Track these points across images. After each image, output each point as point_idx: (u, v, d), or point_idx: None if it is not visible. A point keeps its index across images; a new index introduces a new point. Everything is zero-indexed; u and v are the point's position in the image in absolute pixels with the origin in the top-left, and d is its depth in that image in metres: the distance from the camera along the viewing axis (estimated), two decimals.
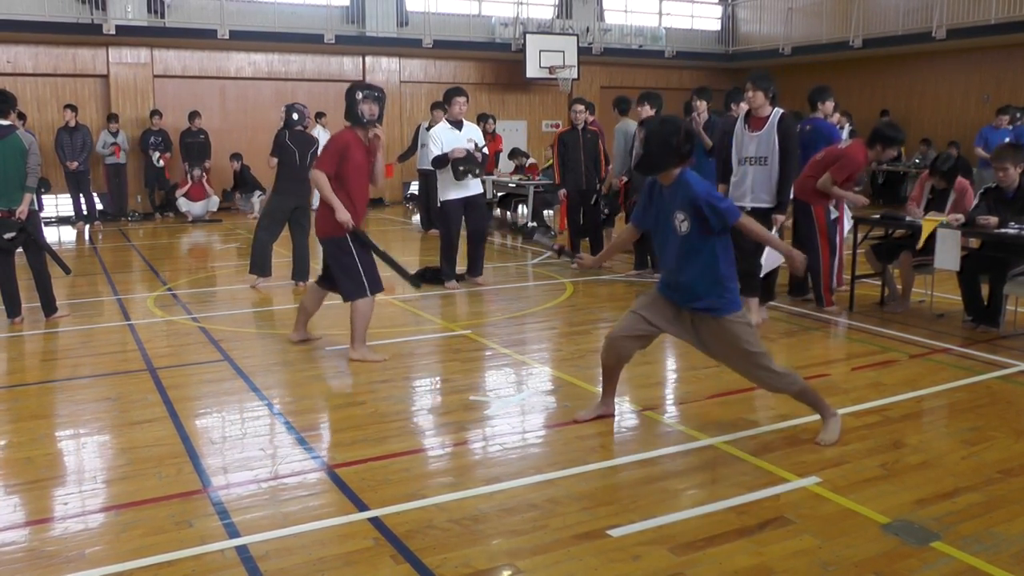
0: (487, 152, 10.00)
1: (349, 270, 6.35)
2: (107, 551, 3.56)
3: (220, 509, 3.92)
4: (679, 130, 4.52)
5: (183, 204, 16.73)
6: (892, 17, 18.78)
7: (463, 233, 9.56)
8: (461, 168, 9.20)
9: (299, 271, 9.54)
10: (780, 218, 7.29)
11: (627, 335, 4.86)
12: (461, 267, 9.76)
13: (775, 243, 5.13)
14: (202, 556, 3.48)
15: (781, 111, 7.37)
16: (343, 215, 6.22)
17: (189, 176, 16.74)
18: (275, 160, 9.40)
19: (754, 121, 7.40)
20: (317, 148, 9.49)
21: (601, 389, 5.19)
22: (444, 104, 9.76)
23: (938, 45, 17.98)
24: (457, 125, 9.43)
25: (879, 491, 4.06)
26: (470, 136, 9.43)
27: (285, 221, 9.45)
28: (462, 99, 9.49)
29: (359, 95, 6.32)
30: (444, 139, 9.27)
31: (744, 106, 8.31)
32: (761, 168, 7.31)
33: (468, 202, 9.40)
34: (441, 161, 9.19)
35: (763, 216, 6.90)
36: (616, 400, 5.26)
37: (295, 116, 9.42)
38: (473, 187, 9.44)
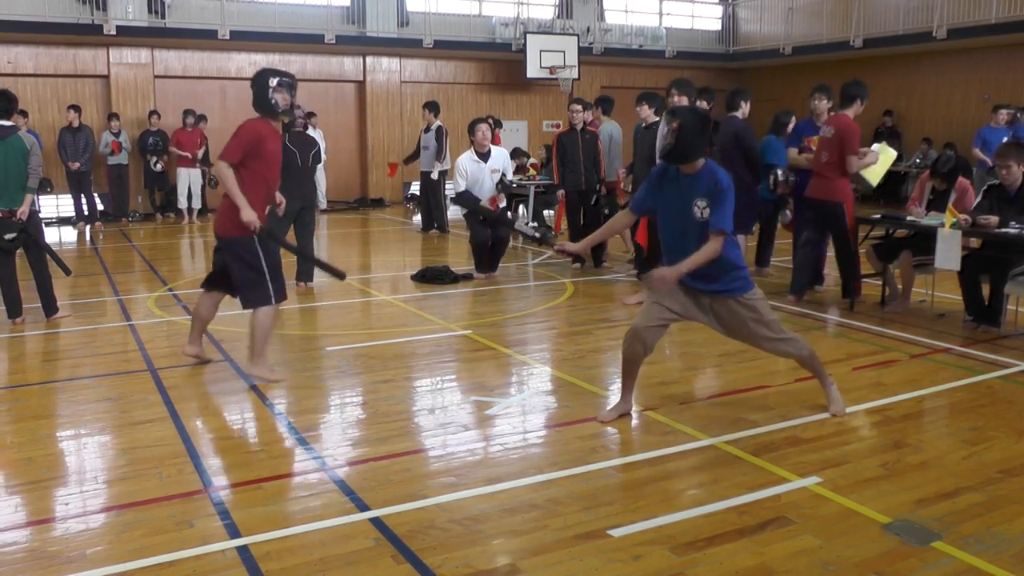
0: (511, 183, 10.07)
1: (253, 275, 5.72)
2: (108, 551, 3.56)
3: (221, 509, 3.92)
4: (708, 121, 4.77)
5: (181, 176, 16.65)
6: (893, 17, 18.77)
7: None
8: (482, 217, 9.45)
9: (303, 272, 9.51)
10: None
11: (652, 325, 4.92)
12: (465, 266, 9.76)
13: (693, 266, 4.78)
14: (203, 556, 3.49)
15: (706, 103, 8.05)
16: (248, 214, 5.56)
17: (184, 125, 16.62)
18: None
19: None
20: (319, 150, 9.76)
21: (621, 385, 5.16)
22: (468, 135, 9.98)
23: (938, 45, 17.97)
24: (483, 156, 9.57)
25: (880, 491, 4.06)
26: (495, 167, 9.63)
27: (291, 223, 9.40)
28: (483, 126, 9.71)
29: (272, 82, 5.69)
30: (469, 171, 9.49)
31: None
32: None
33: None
34: (466, 202, 9.27)
35: None
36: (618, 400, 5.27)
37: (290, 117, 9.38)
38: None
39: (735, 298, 4.85)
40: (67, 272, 7.87)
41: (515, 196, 14.87)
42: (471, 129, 9.83)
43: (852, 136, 7.91)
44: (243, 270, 5.72)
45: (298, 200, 9.35)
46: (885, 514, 3.79)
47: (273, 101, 5.68)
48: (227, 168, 5.59)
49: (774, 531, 3.66)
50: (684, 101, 8.77)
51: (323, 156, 17.74)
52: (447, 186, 14.70)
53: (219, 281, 6.03)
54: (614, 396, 5.56)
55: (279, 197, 6.08)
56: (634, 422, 5.19)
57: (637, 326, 4.93)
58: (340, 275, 6.18)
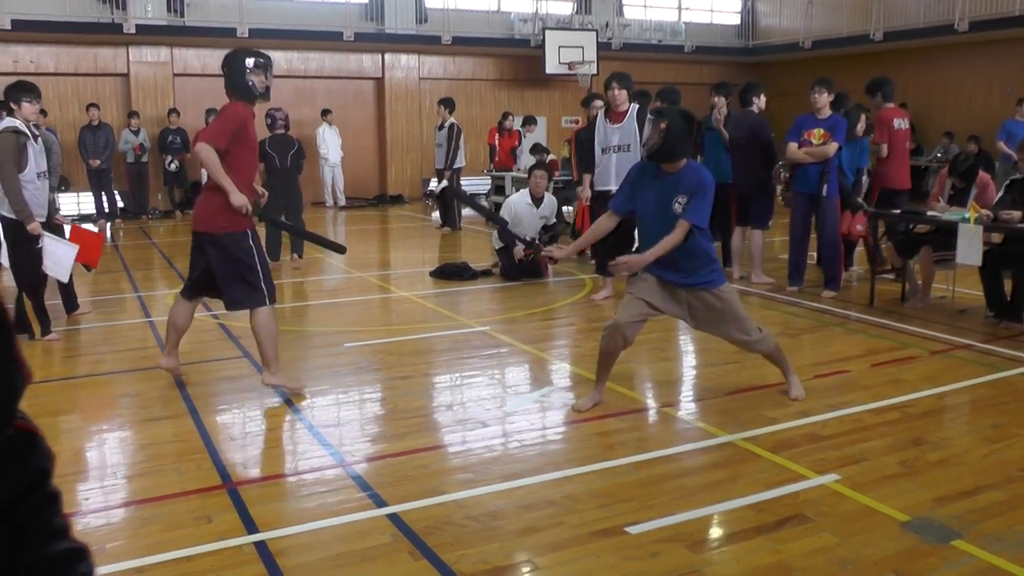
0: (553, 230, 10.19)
1: (248, 274, 5.32)
2: (127, 546, 3.59)
3: (239, 504, 3.94)
4: (696, 125, 4.98)
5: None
6: (913, 9, 18.61)
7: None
8: (524, 258, 9.48)
9: (296, 244, 10.37)
10: None
11: (632, 320, 5.05)
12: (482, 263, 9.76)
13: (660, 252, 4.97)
14: (221, 551, 3.50)
15: (638, 106, 8.16)
16: (238, 198, 5.19)
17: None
18: (260, 165, 9.81)
19: (614, 115, 8.19)
20: (299, 149, 10.47)
21: (597, 376, 5.28)
22: (525, 177, 10.42)
23: (960, 37, 17.80)
24: (537, 201, 9.79)
25: (899, 488, 4.03)
26: (544, 214, 9.84)
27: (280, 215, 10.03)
28: (541, 172, 9.92)
29: (248, 63, 5.27)
30: (518, 212, 9.66)
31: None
32: (625, 155, 8.02)
33: None
34: (508, 238, 9.29)
35: None
36: (636, 397, 5.27)
37: (268, 121, 10.24)
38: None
39: (709, 291, 5.01)
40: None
41: None
42: (529, 174, 10.08)
43: (883, 125, 8.21)
44: (236, 269, 5.31)
45: (283, 197, 9.99)
46: (904, 512, 3.77)
47: (250, 83, 5.29)
48: (211, 152, 5.13)
49: (792, 529, 3.64)
50: None
51: (333, 155, 17.97)
52: (461, 184, 14.82)
53: (202, 286, 5.60)
54: (634, 393, 5.56)
55: (260, 189, 5.80)
56: (652, 419, 5.19)
57: (618, 321, 5.03)
58: (340, 249, 6.10)
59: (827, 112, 8.27)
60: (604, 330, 5.12)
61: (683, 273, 4.99)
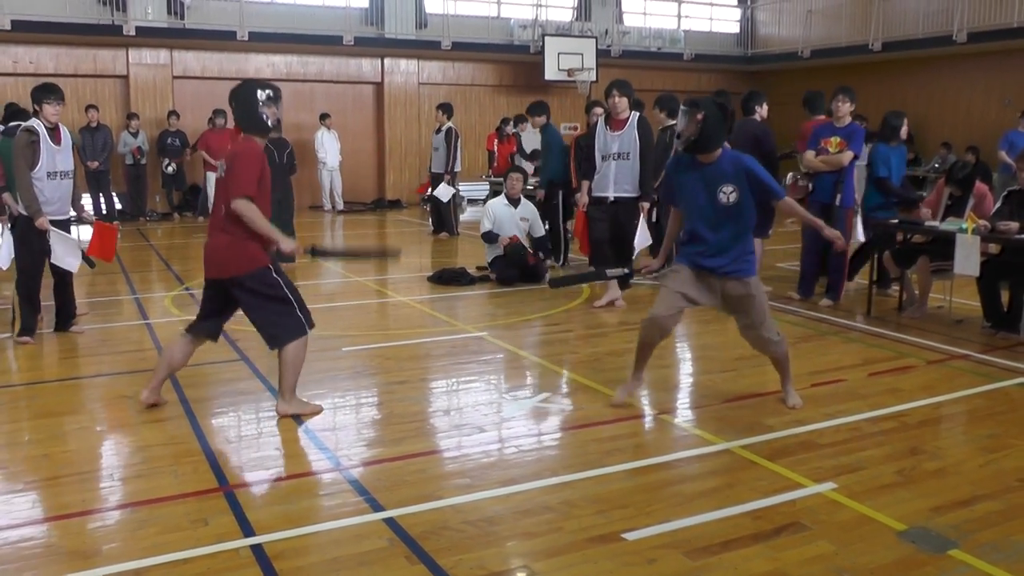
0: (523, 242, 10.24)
1: (281, 306, 5.05)
2: (123, 548, 3.58)
3: (235, 508, 3.94)
4: (728, 112, 5.06)
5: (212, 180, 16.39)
6: (912, 20, 18.65)
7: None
8: (507, 252, 9.68)
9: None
10: (646, 205, 8.28)
11: (670, 313, 5.15)
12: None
13: (812, 220, 5.50)
14: (217, 554, 3.50)
15: (639, 114, 8.17)
16: (288, 244, 5.02)
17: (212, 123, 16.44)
18: None
19: (615, 123, 8.21)
20: (290, 149, 10.95)
21: (635, 367, 5.38)
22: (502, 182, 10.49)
23: (959, 48, 17.84)
24: (514, 203, 9.98)
25: (896, 498, 4.04)
26: (524, 215, 9.99)
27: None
28: (516, 174, 10.14)
29: (260, 96, 5.02)
30: (497, 215, 9.85)
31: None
32: (623, 163, 8.13)
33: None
34: (491, 238, 9.70)
35: (629, 203, 8.18)
36: (632, 404, 5.30)
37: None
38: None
39: (742, 279, 5.10)
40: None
41: (532, 199, 14.88)
42: (505, 177, 10.22)
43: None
44: (267, 304, 5.02)
45: (279, 192, 10.21)
46: (901, 521, 3.77)
47: (264, 117, 5.02)
48: (250, 204, 4.83)
49: (789, 536, 3.65)
50: (663, 116, 9.11)
51: (331, 159, 18.03)
52: (460, 188, 14.85)
53: (209, 329, 5.35)
54: (631, 400, 5.57)
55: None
56: (649, 425, 5.19)
57: (657, 315, 5.12)
58: (396, 253, 6.12)
59: (847, 120, 8.24)
60: (643, 323, 5.23)
61: (727, 259, 5.07)
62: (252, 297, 5.01)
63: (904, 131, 8.67)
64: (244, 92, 5.06)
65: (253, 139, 5.04)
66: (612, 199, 8.20)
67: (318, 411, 5.31)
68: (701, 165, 5.03)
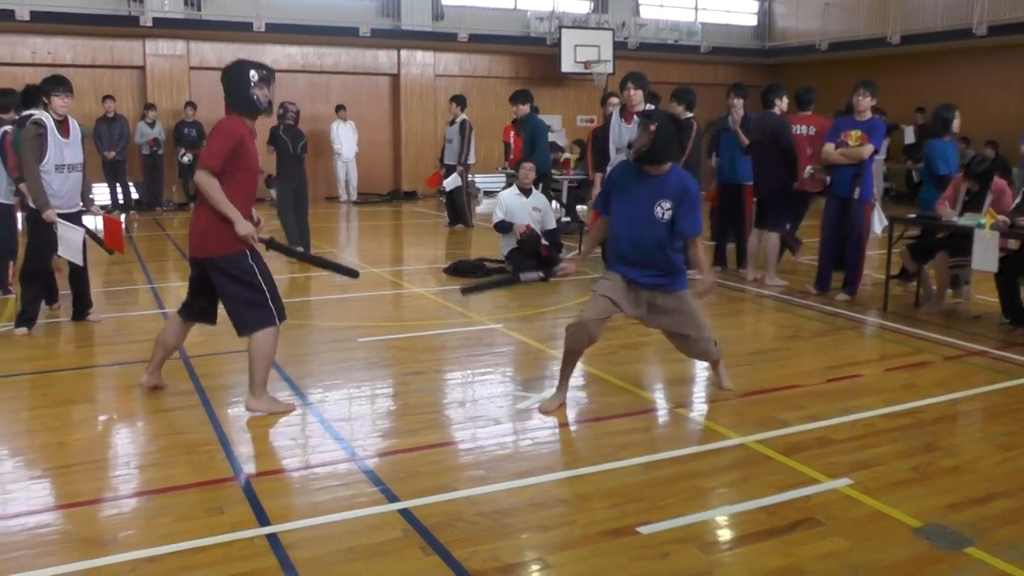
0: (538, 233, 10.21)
1: (252, 293, 4.95)
2: (139, 535, 3.60)
3: (251, 497, 3.95)
4: (683, 129, 5.12)
5: None
6: (931, 13, 18.52)
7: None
8: (522, 240, 9.68)
9: (304, 240, 10.87)
10: None
11: (599, 318, 5.11)
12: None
13: (701, 264, 5.34)
14: (232, 543, 3.52)
15: (653, 106, 8.25)
16: (244, 227, 4.88)
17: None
18: (272, 150, 10.97)
19: (629, 115, 8.22)
20: (306, 141, 11.12)
21: (561, 375, 5.30)
22: (514, 171, 10.56)
23: (978, 42, 17.73)
24: (526, 193, 9.96)
25: (911, 494, 4.02)
26: (536, 205, 9.97)
27: (292, 206, 10.96)
28: (529, 164, 10.10)
29: (253, 76, 4.91)
30: (509, 205, 9.84)
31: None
32: None
33: None
34: (505, 228, 9.72)
35: None
36: (648, 397, 5.28)
37: (281, 111, 10.91)
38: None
39: (674, 293, 5.15)
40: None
41: (552, 189, 14.86)
42: (517, 168, 10.21)
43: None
44: (238, 290, 4.94)
45: (296, 181, 10.89)
46: (916, 518, 3.75)
47: (254, 97, 4.91)
48: (211, 177, 4.79)
49: (803, 532, 3.64)
50: (680, 109, 9.00)
51: (347, 150, 18.07)
52: (475, 180, 14.83)
53: (200, 310, 5.30)
54: (644, 393, 5.57)
55: (256, 215, 5.22)
56: (664, 419, 5.18)
57: (585, 320, 5.07)
58: (354, 274, 5.69)
59: (868, 115, 8.15)
60: (569, 328, 5.14)
61: (651, 274, 5.10)
62: (225, 280, 4.95)
63: (956, 124, 8.49)
64: (236, 71, 4.95)
65: (239, 118, 4.95)
66: None
67: (290, 410, 5.16)
68: (647, 177, 5.05)
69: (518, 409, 5.28)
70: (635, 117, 8.05)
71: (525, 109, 10.88)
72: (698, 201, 5.05)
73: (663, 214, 4.97)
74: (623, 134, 8.17)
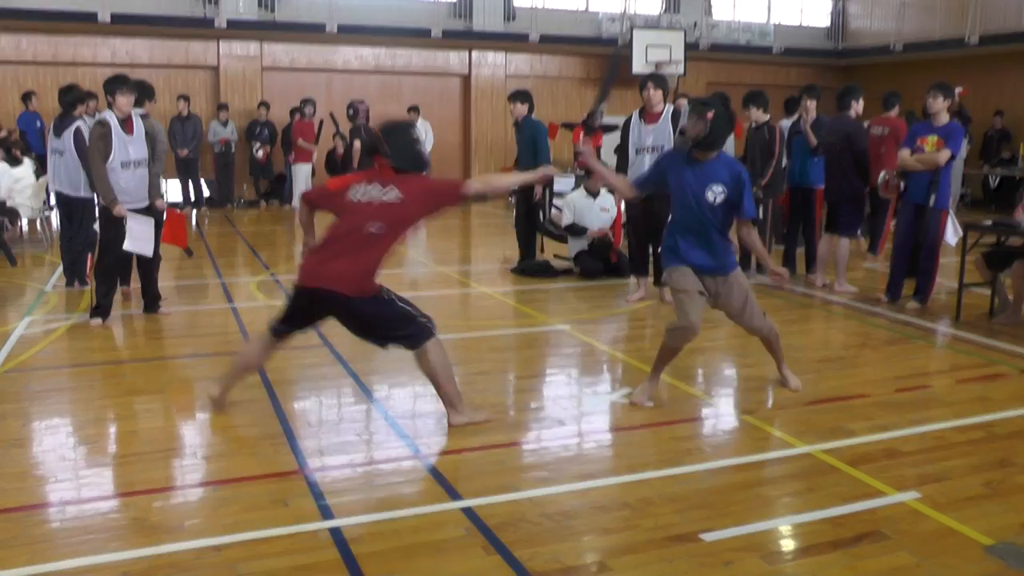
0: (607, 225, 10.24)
1: (402, 308, 4.83)
2: (205, 524, 3.68)
3: (315, 490, 4.01)
4: (734, 115, 5.25)
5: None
6: (1012, 12, 17.91)
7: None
8: (594, 245, 9.79)
9: None
10: None
11: (700, 315, 5.19)
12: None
13: (762, 255, 5.55)
14: (296, 535, 3.57)
15: (672, 107, 8.20)
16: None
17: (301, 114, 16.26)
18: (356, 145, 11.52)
19: (649, 116, 8.15)
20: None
21: (654, 369, 5.39)
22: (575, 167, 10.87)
23: None
24: (593, 194, 10.03)
25: (982, 510, 3.91)
26: (604, 205, 10.02)
27: None
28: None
29: (414, 133, 4.90)
30: (577, 207, 9.98)
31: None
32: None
33: None
34: (577, 231, 9.85)
35: (664, 197, 7.48)
36: (713, 402, 5.25)
37: (351, 112, 11.41)
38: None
39: (730, 275, 5.26)
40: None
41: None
42: (586, 172, 10.29)
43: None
44: (391, 311, 4.78)
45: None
46: (988, 535, 3.65)
47: (422, 153, 4.86)
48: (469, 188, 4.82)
49: (869, 545, 3.57)
50: (759, 113, 8.92)
51: (432, 144, 18.18)
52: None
53: (298, 328, 5.01)
54: (710, 398, 5.52)
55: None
56: (729, 425, 5.13)
57: (694, 322, 5.14)
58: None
59: (944, 118, 7.88)
60: (675, 330, 5.17)
61: (711, 257, 5.22)
62: (372, 309, 4.75)
63: None
64: (402, 131, 4.83)
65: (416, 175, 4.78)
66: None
67: (488, 419, 4.98)
68: (695, 163, 5.15)
69: (582, 411, 5.27)
70: (658, 118, 8.06)
71: (523, 110, 10.31)
72: (749, 186, 5.18)
73: (715, 198, 5.09)
74: (643, 136, 8.11)
